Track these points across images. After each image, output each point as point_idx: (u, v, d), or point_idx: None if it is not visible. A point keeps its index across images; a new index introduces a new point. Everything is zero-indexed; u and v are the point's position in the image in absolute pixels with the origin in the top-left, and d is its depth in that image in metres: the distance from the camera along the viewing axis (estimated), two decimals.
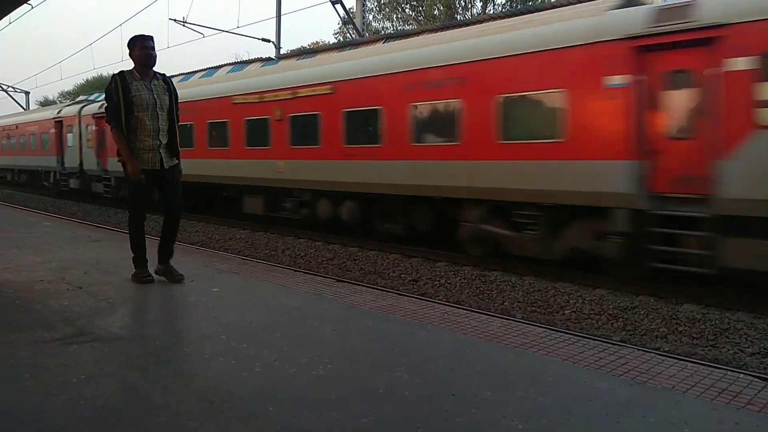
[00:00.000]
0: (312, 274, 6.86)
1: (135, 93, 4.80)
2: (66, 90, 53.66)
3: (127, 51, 4.97)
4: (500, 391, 2.81)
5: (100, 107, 17.47)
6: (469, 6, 34.77)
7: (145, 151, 4.89)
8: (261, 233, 12.41)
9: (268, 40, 21.62)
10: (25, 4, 11.27)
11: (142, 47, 4.88)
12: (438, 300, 6.71)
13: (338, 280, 6.02)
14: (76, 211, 17.26)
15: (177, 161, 5.11)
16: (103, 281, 5.05)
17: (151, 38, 4.97)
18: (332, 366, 3.09)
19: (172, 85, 5.11)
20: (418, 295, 6.97)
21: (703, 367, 3.30)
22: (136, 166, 4.83)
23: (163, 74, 5.09)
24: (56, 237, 8.11)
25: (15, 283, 4.99)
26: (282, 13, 19.95)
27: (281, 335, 3.64)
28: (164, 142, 4.97)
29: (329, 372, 3.01)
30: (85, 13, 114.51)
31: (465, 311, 4.64)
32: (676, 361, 3.40)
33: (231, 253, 9.47)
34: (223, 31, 21.60)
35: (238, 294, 4.78)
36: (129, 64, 5.04)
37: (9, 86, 38.32)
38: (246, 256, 8.95)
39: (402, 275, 8.65)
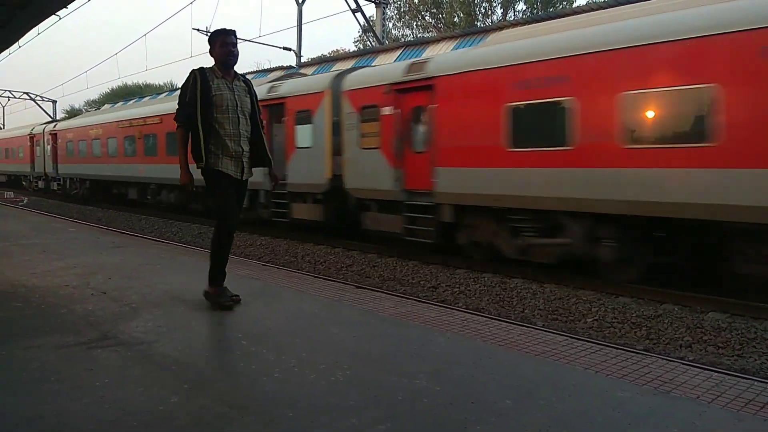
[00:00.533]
0: (331, 280, 6.89)
1: (216, 92, 4.31)
2: (91, 99, 54.76)
3: (208, 48, 4.48)
4: (520, 399, 2.78)
5: (406, 71, 9.98)
6: (489, 13, 34.82)
7: (228, 158, 4.39)
8: (281, 240, 12.48)
9: (289, 49, 21.91)
10: (53, 16, 11.57)
11: (222, 44, 4.38)
12: (457, 307, 6.68)
13: (357, 287, 6.03)
14: (100, 218, 17.57)
15: (269, 167, 4.70)
16: (127, 286, 5.13)
17: (233, 33, 4.45)
18: (351, 372, 3.09)
19: (253, 87, 4.64)
20: (437, 302, 6.95)
21: (728, 377, 3.23)
22: (188, 178, 4.37)
23: (244, 76, 4.62)
24: (81, 243, 8.25)
25: (41, 287, 5.09)
26: (303, 22, 20.19)
27: (300, 341, 3.65)
28: (245, 149, 4.48)
29: (348, 378, 3.01)
30: (111, 24, 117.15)
31: (485, 318, 4.61)
32: (700, 370, 3.33)
33: (251, 259, 9.55)
34: (245, 40, 21.92)
35: (258, 300, 4.81)
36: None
37: (37, 95, 39.39)
38: (266, 262, 9.00)
39: (421, 282, 8.63)
